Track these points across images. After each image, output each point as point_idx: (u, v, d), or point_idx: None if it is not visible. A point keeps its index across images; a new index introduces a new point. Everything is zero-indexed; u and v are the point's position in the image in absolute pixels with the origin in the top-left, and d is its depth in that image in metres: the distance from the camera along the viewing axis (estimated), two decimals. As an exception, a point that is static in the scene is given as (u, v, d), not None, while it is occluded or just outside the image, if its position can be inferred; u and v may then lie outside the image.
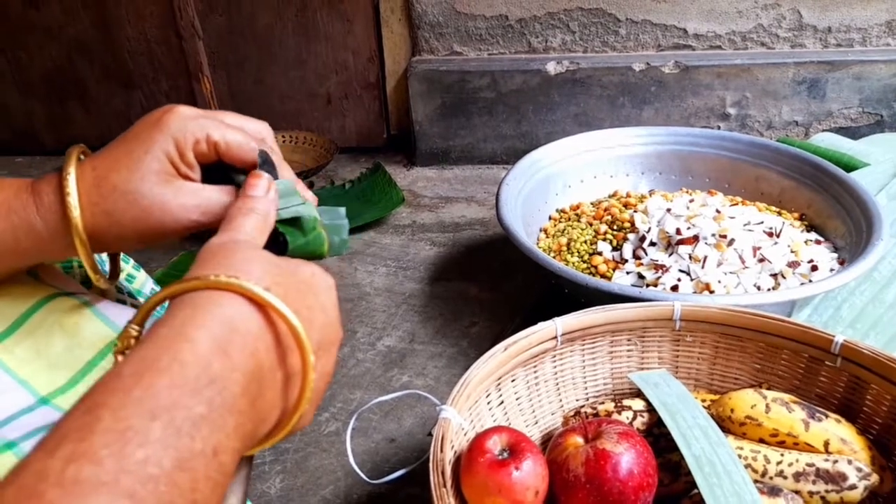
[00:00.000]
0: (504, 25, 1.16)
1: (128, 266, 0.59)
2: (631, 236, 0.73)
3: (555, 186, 0.89)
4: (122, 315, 0.44)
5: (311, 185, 1.20)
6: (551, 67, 1.15)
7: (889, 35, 1.11)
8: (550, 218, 0.88)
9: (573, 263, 0.74)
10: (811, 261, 0.68)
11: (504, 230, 0.73)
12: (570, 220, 0.85)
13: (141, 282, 0.59)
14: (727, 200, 0.80)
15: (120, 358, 0.28)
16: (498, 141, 1.21)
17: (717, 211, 0.70)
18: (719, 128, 1.16)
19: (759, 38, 1.13)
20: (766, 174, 0.86)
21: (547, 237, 0.83)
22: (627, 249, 0.72)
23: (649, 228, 0.71)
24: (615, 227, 0.76)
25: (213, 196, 0.37)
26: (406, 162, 1.27)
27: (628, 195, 0.87)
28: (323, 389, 0.32)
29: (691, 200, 0.75)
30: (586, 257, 0.75)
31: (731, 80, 1.12)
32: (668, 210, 0.72)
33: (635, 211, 0.76)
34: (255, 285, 0.27)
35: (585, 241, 0.76)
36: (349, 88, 1.27)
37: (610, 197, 0.88)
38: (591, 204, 0.88)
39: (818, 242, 0.75)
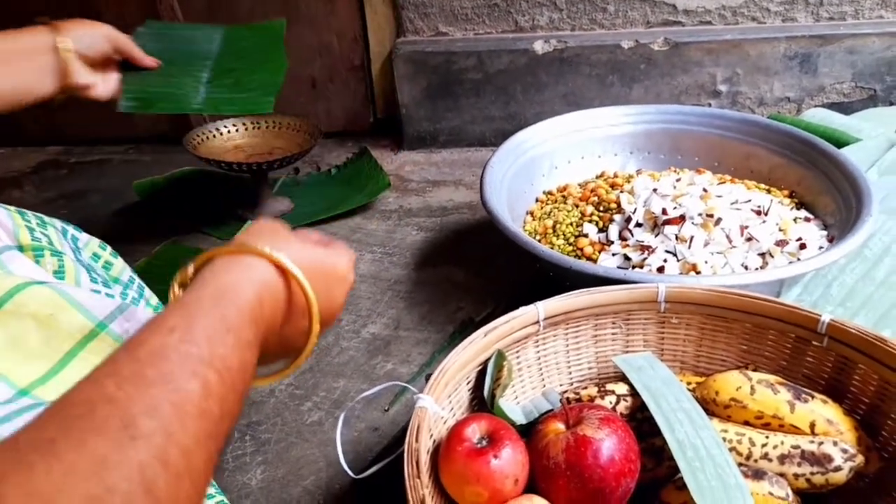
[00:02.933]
0: (490, 4, 1.14)
1: (105, 253, 0.58)
2: (617, 217, 0.72)
3: (541, 168, 0.88)
4: (98, 304, 0.43)
5: (296, 171, 1.19)
6: (539, 46, 1.13)
7: (882, 7, 1.09)
8: (537, 200, 0.87)
9: (559, 246, 0.73)
10: (799, 239, 0.67)
11: (488, 214, 0.72)
12: (556, 202, 0.83)
13: (119, 269, 0.57)
14: (715, 179, 0.79)
15: (178, 289, 0.37)
16: (486, 123, 1.19)
17: (704, 190, 0.69)
18: (710, 105, 1.14)
19: (749, 12, 1.10)
20: (757, 151, 0.84)
21: (533, 220, 0.82)
22: (613, 231, 0.71)
23: (635, 209, 0.70)
24: (601, 209, 0.75)
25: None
26: (393, 146, 1.25)
27: (615, 175, 0.85)
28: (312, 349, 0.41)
29: (678, 180, 0.74)
30: (572, 240, 0.73)
31: (721, 57, 1.10)
32: (655, 190, 0.71)
33: (622, 191, 0.75)
34: (289, 262, 0.36)
35: (571, 224, 0.75)
36: (334, 71, 1.25)
37: (597, 178, 0.87)
38: (579, 185, 0.86)
39: (807, 220, 0.74)
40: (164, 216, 1.05)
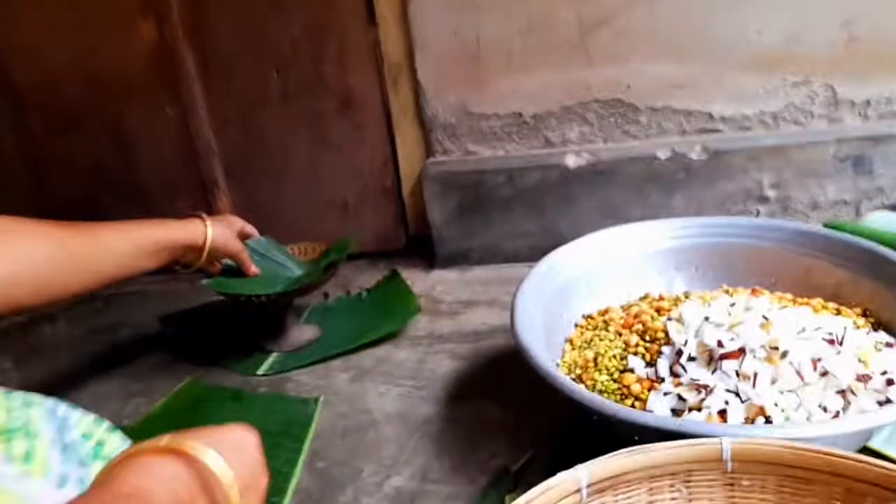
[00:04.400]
0: (519, 122, 1.13)
1: (100, 430, 0.53)
2: (666, 350, 0.64)
3: (578, 291, 0.81)
4: (48, 497, 0.37)
5: (325, 296, 1.15)
6: (570, 160, 1.10)
7: (936, 104, 1.03)
8: (576, 326, 0.80)
9: (602, 383, 0.65)
10: (885, 372, 0.57)
11: (518, 349, 0.65)
12: (597, 328, 0.76)
13: (114, 446, 0.52)
14: (775, 300, 0.71)
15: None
16: (520, 238, 1.15)
17: (765, 317, 0.61)
18: (758, 212, 1.07)
19: (791, 116, 1.06)
20: (818, 265, 0.76)
21: (573, 349, 0.74)
22: (663, 365, 0.63)
23: (686, 341, 0.62)
24: (647, 338, 0.67)
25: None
26: (425, 265, 1.21)
27: (661, 297, 0.78)
28: None
29: (732, 304, 0.66)
30: (616, 375, 0.65)
31: (765, 162, 1.05)
32: (707, 318, 0.63)
33: (669, 318, 0.67)
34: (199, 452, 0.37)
35: (615, 356, 0.67)
36: (365, 195, 1.24)
37: (641, 300, 0.80)
38: (622, 309, 0.79)
39: (889, 346, 0.64)
40: (189, 350, 1.02)
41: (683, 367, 0.61)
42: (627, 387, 0.63)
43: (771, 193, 1.06)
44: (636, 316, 0.71)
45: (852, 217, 1.05)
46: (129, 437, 0.52)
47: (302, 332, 1.00)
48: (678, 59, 1.05)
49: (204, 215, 0.86)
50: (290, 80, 1.18)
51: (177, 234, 0.81)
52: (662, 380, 0.62)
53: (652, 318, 0.70)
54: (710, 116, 1.07)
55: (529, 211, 1.13)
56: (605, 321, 0.76)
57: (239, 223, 0.95)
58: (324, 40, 1.14)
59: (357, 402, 0.84)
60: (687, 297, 0.75)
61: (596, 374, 0.66)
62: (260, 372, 0.94)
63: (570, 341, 0.76)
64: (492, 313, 1.02)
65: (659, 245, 0.83)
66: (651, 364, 0.65)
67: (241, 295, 0.91)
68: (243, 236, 0.95)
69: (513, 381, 0.83)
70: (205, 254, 0.84)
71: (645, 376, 0.63)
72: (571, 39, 1.06)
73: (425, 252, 1.23)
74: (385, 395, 0.84)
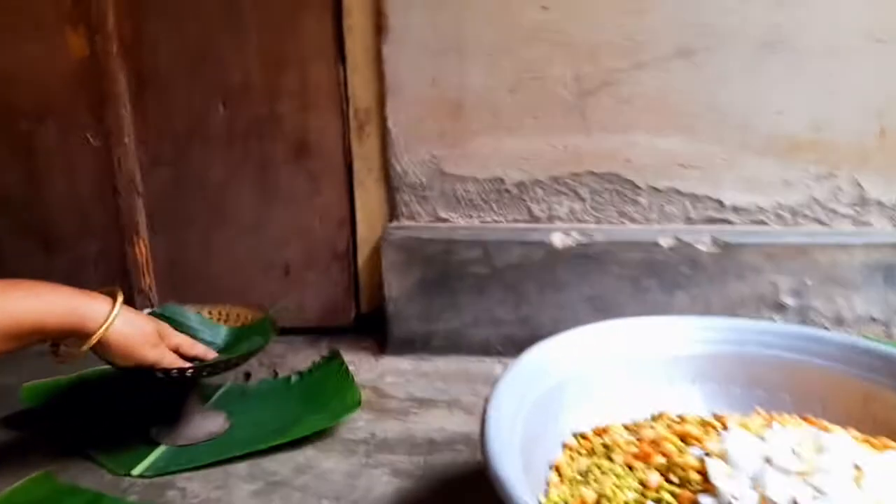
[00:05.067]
0: (499, 189, 0.96)
1: None
2: (706, 501, 0.44)
3: (568, 399, 0.62)
4: None
5: (246, 377, 0.93)
6: (557, 239, 0.93)
7: (970, 214, 0.91)
8: (565, 447, 0.60)
9: (608, 543, 0.44)
10: None
11: (490, 475, 0.45)
12: (594, 452, 0.56)
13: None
14: (860, 440, 0.52)
15: None
16: (492, 326, 0.96)
17: (857, 467, 0.42)
18: (773, 321, 0.91)
19: (812, 213, 0.92)
20: (881, 393, 0.59)
21: (561, 481, 0.54)
22: (701, 525, 0.43)
23: (740, 493, 0.42)
24: (674, 479, 0.48)
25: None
26: (376, 349, 1.01)
27: (682, 419, 0.59)
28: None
29: (799, 443, 0.47)
30: (629, 531, 0.45)
31: (784, 263, 0.89)
32: (768, 460, 0.44)
33: (707, 453, 0.48)
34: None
35: (627, 503, 0.47)
36: (313, 258, 1.05)
37: (654, 419, 0.60)
38: (627, 428, 0.59)
39: None
40: (53, 432, 0.78)
41: (734, 532, 0.41)
42: (648, 553, 0.43)
43: (789, 301, 0.91)
44: (654, 443, 0.52)
45: (880, 337, 0.90)
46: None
47: (204, 422, 0.77)
48: (687, 134, 0.92)
49: (119, 295, 0.65)
50: (238, 116, 1.01)
51: (59, 318, 0.61)
52: (701, 547, 0.42)
53: (679, 449, 0.50)
54: (721, 204, 0.93)
55: (506, 294, 0.95)
56: (605, 445, 0.56)
57: (166, 328, 0.73)
58: (282, 74, 0.98)
59: (256, 531, 0.61)
60: (721, 422, 0.56)
61: (598, 527, 0.46)
62: (136, 472, 0.70)
63: (557, 469, 0.56)
64: (452, 418, 0.81)
65: (674, 348, 0.65)
66: (681, 519, 0.45)
67: (136, 371, 0.69)
68: (171, 348, 0.72)
69: (473, 515, 0.62)
70: (91, 342, 0.63)
71: (675, 539, 0.43)
72: (567, 101, 0.92)
73: (377, 333, 1.02)
74: (297, 523, 0.62)
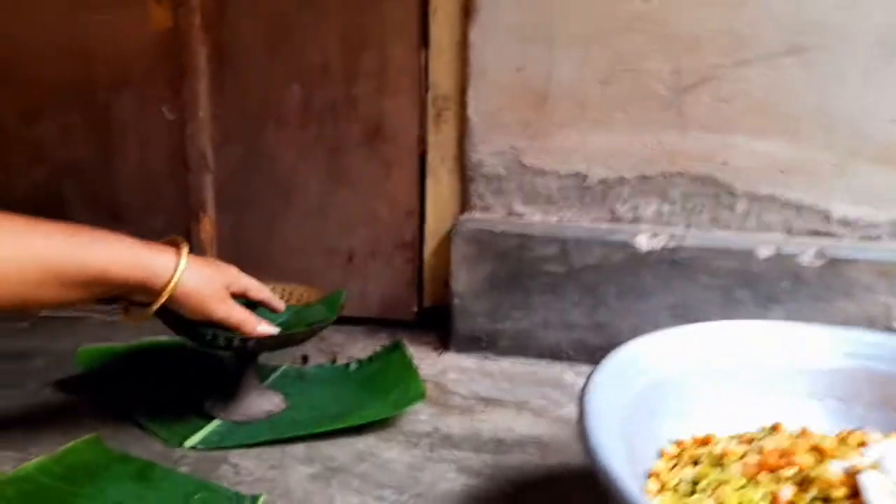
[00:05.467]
0: (582, 186, 0.91)
1: None
2: (859, 518, 0.37)
3: (668, 403, 0.55)
4: None
5: (304, 360, 0.89)
6: (642, 241, 0.87)
7: None
8: (662, 455, 0.53)
9: (735, 558, 0.38)
10: None
11: (595, 471, 0.39)
12: (699, 462, 0.49)
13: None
14: None
15: None
16: (564, 330, 0.90)
17: None
18: None
19: (931, 230, 0.83)
20: None
21: (662, 488, 0.47)
22: (856, 546, 0.36)
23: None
24: (815, 495, 0.40)
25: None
26: (438, 345, 0.96)
27: (804, 433, 0.52)
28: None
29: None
30: (759, 548, 0.38)
31: (897, 282, 0.81)
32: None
33: (852, 468, 0.41)
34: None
35: (752, 513, 0.40)
36: (378, 246, 1.01)
37: (769, 431, 0.53)
38: (735, 440, 0.52)
39: None
40: (106, 398, 0.75)
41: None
42: (787, 574, 0.36)
43: (901, 324, 0.82)
44: (783, 454, 0.45)
45: None
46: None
47: (261, 400, 0.73)
48: (792, 138, 0.85)
49: (183, 246, 0.62)
50: (313, 98, 0.98)
51: (125, 268, 0.57)
52: (855, 572, 0.35)
53: (815, 460, 0.43)
54: (827, 217, 0.85)
55: (582, 297, 0.88)
56: (713, 455, 0.49)
57: (233, 274, 0.69)
58: (362, 56, 0.96)
59: (314, 515, 0.56)
60: (866, 439, 0.48)
61: (719, 541, 0.39)
62: (189, 443, 0.66)
63: (657, 476, 0.49)
64: (520, 419, 0.75)
65: (790, 358, 0.58)
66: (826, 539, 0.38)
67: (199, 333, 0.66)
68: (238, 294, 0.69)
69: (551, 521, 0.55)
70: (160, 300, 0.60)
71: (821, 560, 0.36)
72: (663, 96, 0.87)
73: (440, 329, 0.97)
74: (357, 511, 0.56)
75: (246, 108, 1.01)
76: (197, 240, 1.05)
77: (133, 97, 1.03)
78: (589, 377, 0.49)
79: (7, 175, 1.09)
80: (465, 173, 0.95)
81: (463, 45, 0.92)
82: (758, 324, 0.60)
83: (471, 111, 0.92)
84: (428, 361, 0.90)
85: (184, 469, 0.62)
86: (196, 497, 0.58)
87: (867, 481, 0.38)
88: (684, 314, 0.86)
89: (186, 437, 0.67)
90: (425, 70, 0.95)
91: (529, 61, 0.89)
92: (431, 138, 0.96)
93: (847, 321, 0.82)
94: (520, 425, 0.73)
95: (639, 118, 0.88)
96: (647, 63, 0.86)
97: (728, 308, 0.85)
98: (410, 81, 0.95)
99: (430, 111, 0.96)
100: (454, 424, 0.73)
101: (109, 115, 1.05)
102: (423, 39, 0.94)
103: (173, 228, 1.05)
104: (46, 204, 1.09)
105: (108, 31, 1.01)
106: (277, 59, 0.98)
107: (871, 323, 0.82)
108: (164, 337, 0.88)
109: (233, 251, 1.05)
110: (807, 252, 0.83)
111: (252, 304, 0.81)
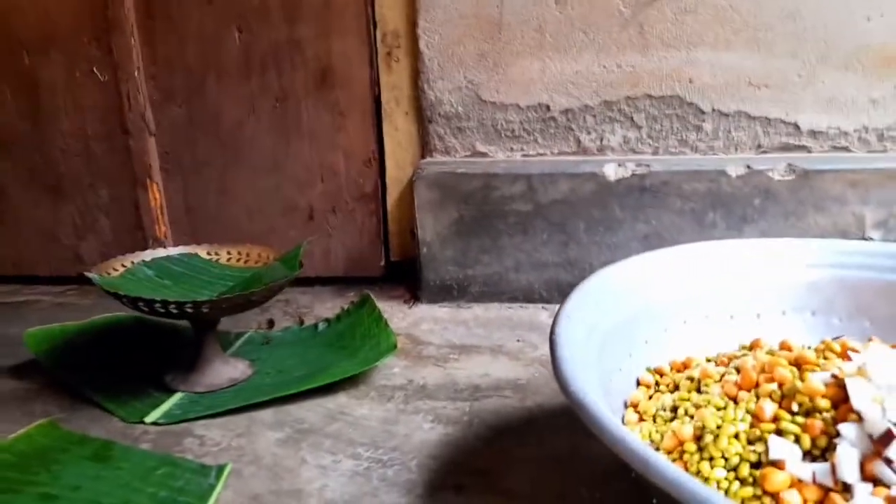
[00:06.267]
0: (544, 118, 0.87)
1: None
2: (847, 428, 0.35)
3: (640, 330, 0.53)
4: None
5: (269, 325, 0.85)
6: (610, 171, 0.83)
7: None
8: (639, 383, 0.51)
9: (721, 486, 0.35)
10: None
11: (569, 399, 0.36)
12: (677, 388, 0.47)
13: None
14: None
15: None
16: (536, 270, 0.87)
17: None
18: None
19: (902, 136, 0.81)
20: None
21: (641, 419, 0.45)
22: (846, 458, 0.34)
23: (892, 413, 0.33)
24: (796, 409, 0.38)
25: None
26: (408, 298, 0.92)
27: (785, 346, 0.49)
28: None
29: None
30: (746, 471, 0.36)
31: (871, 191, 0.79)
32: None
33: (839, 380, 0.38)
34: None
35: (736, 436, 0.38)
36: (338, 200, 0.96)
37: (748, 349, 0.51)
38: (713, 362, 0.50)
39: None
40: (60, 381, 0.71)
41: (893, 463, 0.32)
42: (774, 495, 0.34)
43: (875, 235, 0.80)
44: (762, 371, 0.42)
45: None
46: None
47: (225, 368, 0.70)
48: (759, 49, 0.81)
49: None
50: (255, 44, 0.92)
51: None
52: (847, 486, 0.33)
53: (792, 374, 0.41)
54: (797, 128, 0.83)
55: (552, 234, 0.85)
56: (691, 378, 0.47)
57: None
58: (304, -6, 0.89)
59: (285, 479, 0.53)
60: (835, 348, 0.46)
61: (704, 466, 0.37)
62: (150, 419, 0.63)
63: (634, 406, 0.47)
64: (496, 364, 0.73)
65: (758, 274, 0.55)
66: (816, 453, 0.35)
67: (147, 301, 0.61)
68: None
69: (529, 464, 0.53)
70: None
71: (810, 478, 0.34)
72: (622, 14, 0.82)
73: (409, 281, 0.94)
74: (329, 471, 0.54)
75: (183, 62, 0.94)
76: (145, 209, 1.00)
77: (61, 58, 0.96)
78: (559, 309, 0.46)
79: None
80: (422, 114, 0.90)
81: (408, -25, 0.86)
82: (728, 243, 0.58)
83: (423, 45, 0.87)
84: (399, 315, 0.87)
85: (145, 446, 0.59)
86: (158, 472, 0.54)
87: (853, 386, 0.36)
88: (658, 243, 0.83)
89: (146, 413, 0.63)
90: (371, 4, 0.89)
91: (480, -12, 0.84)
92: (384, 79, 0.91)
93: (821, 235, 0.81)
94: (496, 370, 0.71)
95: (598, 40, 0.83)
96: (604, -20, 0.81)
97: (701, 232, 0.82)
98: (356, 18, 0.89)
99: (381, 50, 0.90)
100: (428, 375, 0.70)
101: (37, 78, 0.97)
102: (366, -28, 0.88)
103: (119, 199, 1.00)
104: (-20, 183, 1.02)
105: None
106: (212, 4, 0.91)
107: (844, 235, 0.80)
108: (119, 312, 0.84)
109: (185, 218, 1.00)
110: (777, 167, 0.80)
111: (204, 266, 0.77)
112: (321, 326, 0.83)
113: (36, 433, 0.61)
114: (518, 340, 0.78)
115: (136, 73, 0.95)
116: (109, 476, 0.55)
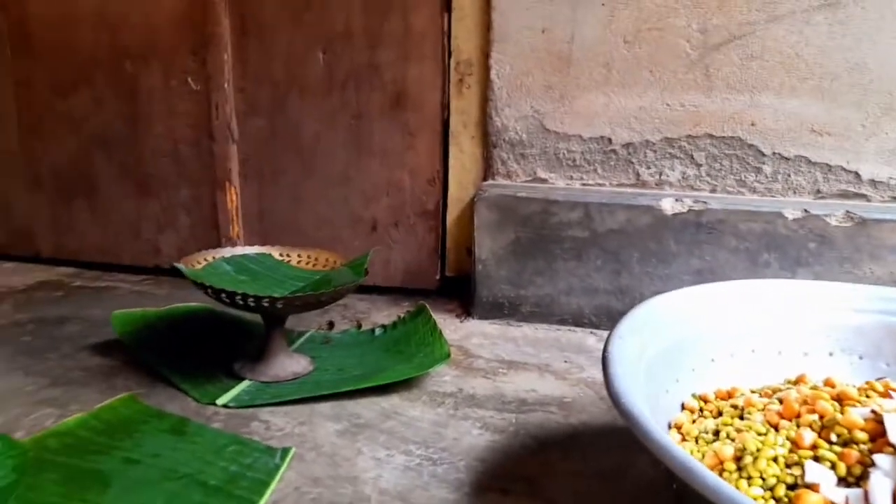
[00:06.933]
0: (606, 150, 0.90)
1: None
2: (883, 459, 0.37)
3: (691, 358, 0.55)
4: None
5: (330, 326, 0.90)
6: (667, 205, 0.86)
7: None
8: (684, 407, 0.53)
9: (754, 499, 0.38)
10: None
11: (619, 411, 0.39)
12: (720, 414, 0.50)
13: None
14: None
15: None
16: (587, 295, 0.90)
17: None
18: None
19: (966, 191, 0.81)
20: None
21: (683, 438, 0.48)
22: (880, 487, 0.36)
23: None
24: (835, 439, 0.40)
25: None
26: (460, 312, 0.96)
27: (828, 383, 0.51)
28: None
29: None
30: (781, 491, 0.38)
31: (930, 243, 0.79)
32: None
33: (875, 413, 0.40)
34: None
35: (775, 459, 0.40)
36: (401, 215, 1.01)
37: (793, 383, 0.53)
38: (757, 393, 0.52)
39: None
40: (141, 361, 0.77)
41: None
42: (808, 514, 0.36)
43: (932, 286, 0.80)
44: (807, 403, 0.45)
45: None
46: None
47: (289, 362, 0.75)
48: (824, 98, 0.83)
49: None
50: (337, 65, 0.99)
51: None
52: (879, 513, 0.35)
53: (833, 406, 0.43)
54: (857, 176, 0.84)
55: (606, 262, 0.88)
56: (735, 406, 0.49)
57: None
58: (384, 22, 0.96)
59: (343, 466, 0.57)
60: (883, 385, 0.48)
61: (741, 484, 0.39)
62: (221, 401, 0.68)
63: (678, 427, 0.50)
64: (543, 381, 0.76)
65: (809, 315, 0.57)
66: (849, 482, 0.38)
67: (229, 293, 0.67)
68: None
69: (568, 475, 0.56)
70: None
71: (843, 502, 0.36)
72: (689, 56, 0.85)
73: (463, 296, 0.98)
74: (384, 464, 0.58)
75: (270, 78, 1.02)
76: (222, 210, 1.07)
77: (160, 67, 1.05)
78: (613, 329, 0.50)
79: (42, 144, 1.12)
80: (487, 139, 0.95)
81: (485, 9, 0.91)
82: (780, 282, 0.60)
83: (494, 74, 0.92)
84: (451, 327, 0.91)
85: (216, 425, 0.64)
86: (229, 450, 0.59)
87: (891, 422, 0.38)
88: (710, 279, 0.85)
89: (218, 396, 0.69)
90: (448, 35, 0.94)
91: (553, 22, 0.88)
92: (454, 104, 0.96)
93: (875, 283, 0.81)
94: (542, 387, 0.74)
95: (664, 79, 0.86)
96: (674, 21, 0.85)
97: (754, 272, 0.84)
98: (433, 47, 0.95)
99: (453, 77, 0.96)
100: (477, 385, 0.74)
101: (137, 86, 1.07)
102: (446, 3, 0.94)
103: (199, 199, 1.08)
104: (78, 174, 1.12)
105: (135, 1, 1.02)
106: (300, 27, 0.99)
107: (901, 285, 0.81)
108: (195, 303, 0.90)
109: (257, 221, 1.07)
110: (835, 213, 0.81)
111: (277, 266, 0.83)
112: (378, 332, 0.88)
113: (119, 405, 0.67)
114: (565, 361, 0.81)
115: (225, 86, 1.03)
116: (185, 448, 0.60)
